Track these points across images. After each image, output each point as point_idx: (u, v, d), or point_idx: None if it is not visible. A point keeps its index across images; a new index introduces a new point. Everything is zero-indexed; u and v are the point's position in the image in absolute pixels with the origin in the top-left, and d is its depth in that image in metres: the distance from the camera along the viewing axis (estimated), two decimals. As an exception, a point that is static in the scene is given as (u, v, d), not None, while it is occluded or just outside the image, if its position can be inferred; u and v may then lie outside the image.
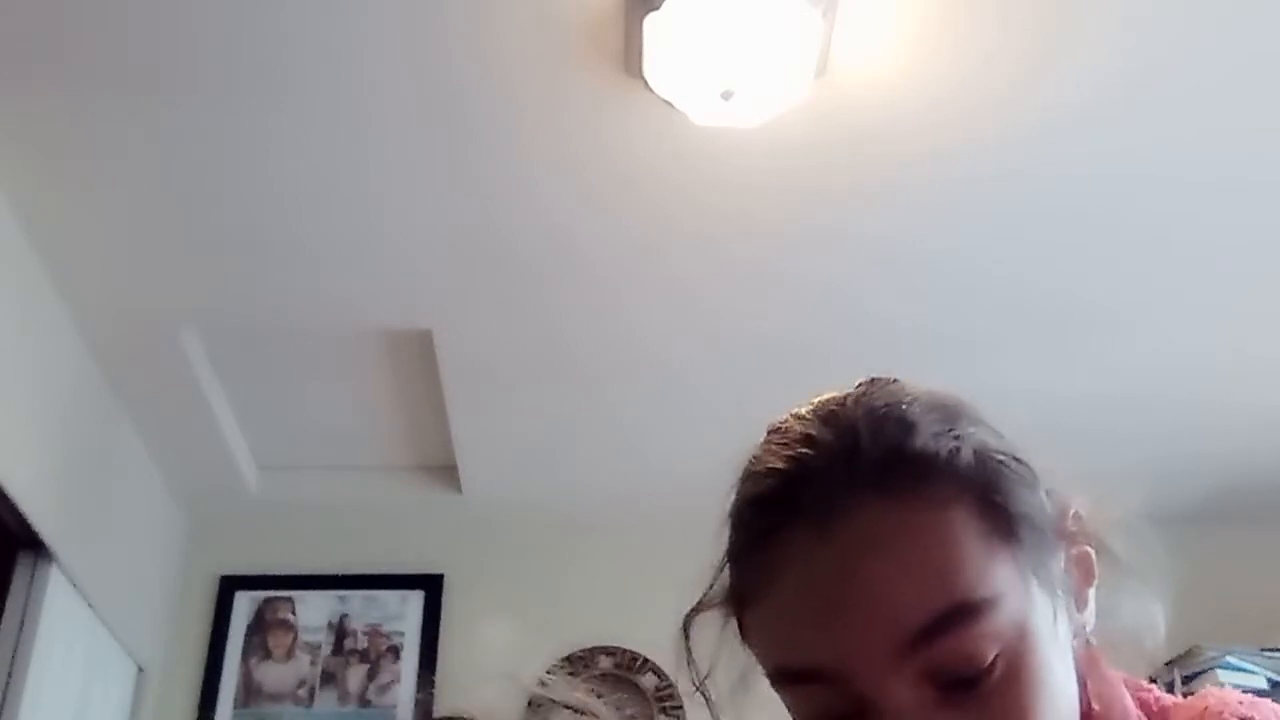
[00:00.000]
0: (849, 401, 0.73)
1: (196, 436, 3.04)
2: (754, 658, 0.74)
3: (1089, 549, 0.73)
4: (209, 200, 2.35)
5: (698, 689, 0.79)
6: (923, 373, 0.79)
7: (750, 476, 0.74)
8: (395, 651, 3.27)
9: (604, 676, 3.26)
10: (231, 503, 3.29)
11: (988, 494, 0.68)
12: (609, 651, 3.28)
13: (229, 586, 3.33)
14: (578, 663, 3.25)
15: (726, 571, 0.76)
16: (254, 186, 2.32)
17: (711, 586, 0.78)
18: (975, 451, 0.69)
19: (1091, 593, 0.73)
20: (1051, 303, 2.60)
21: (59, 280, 2.52)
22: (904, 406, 0.71)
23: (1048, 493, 0.72)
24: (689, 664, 0.79)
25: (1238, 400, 2.87)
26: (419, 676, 3.21)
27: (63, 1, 1.92)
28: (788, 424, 0.74)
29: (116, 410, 2.90)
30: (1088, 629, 0.72)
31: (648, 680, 3.26)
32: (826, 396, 0.75)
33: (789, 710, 0.71)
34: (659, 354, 2.79)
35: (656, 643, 3.28)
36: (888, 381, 0.75)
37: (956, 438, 0.69)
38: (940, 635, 0.64)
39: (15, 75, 2.06)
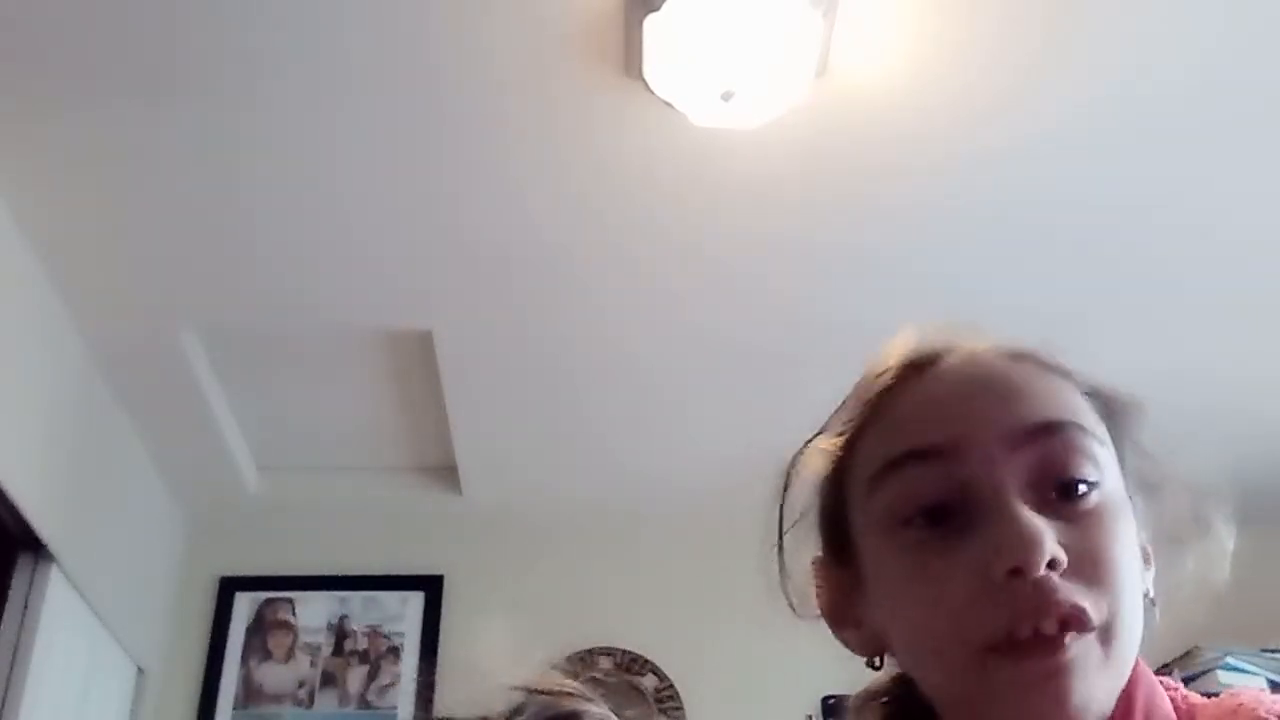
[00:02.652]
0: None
1: (196, 437, 3.04)
2: (852, 487, 0.76)
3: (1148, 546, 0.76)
4: (209, 201, 2.35)
5: (781, 532, 0.81)
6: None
7: (881, 357, 0.79)
8: (395, 652, 3.27)
9: (604, 677, 3.26)
10: (231, 503, 3.29)
11: (1107, 410, 0.75)
12: (609, 652, 3.28)
13: (229, 587, 3.33)
14: (578, 663, 3.25)
15: (843, 412, 0.79)
16: (254, 187, 2.32)
17: (826, 426, 0.81)
18: (1094, 384, 0.77)
19: (1151, 570, 0.76)
20: (1049, 307, 2.60)
21: (59, 280, 2.52)
22: None
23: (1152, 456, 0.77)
24: (782, 504, 0.82)
25: (1236, 405, 2.87)
26: (419, 677, 3.20)
27: (63, 4, 1.92)
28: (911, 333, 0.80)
29: (116, 410, 2.90)
30: (1149, 593, 0.75)
31: (648, 681, 3.26)
32: None
33: (891, 503, 0.72)
34: (658, 355, 2.79)
35: (656, 643, 3.29)
36: None
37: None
38: (1050, 436, 0.70)
39: (15, 76, 2.06)
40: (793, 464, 0.82)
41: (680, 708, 3.22)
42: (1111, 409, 0.76)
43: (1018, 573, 0.66)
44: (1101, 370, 0.77)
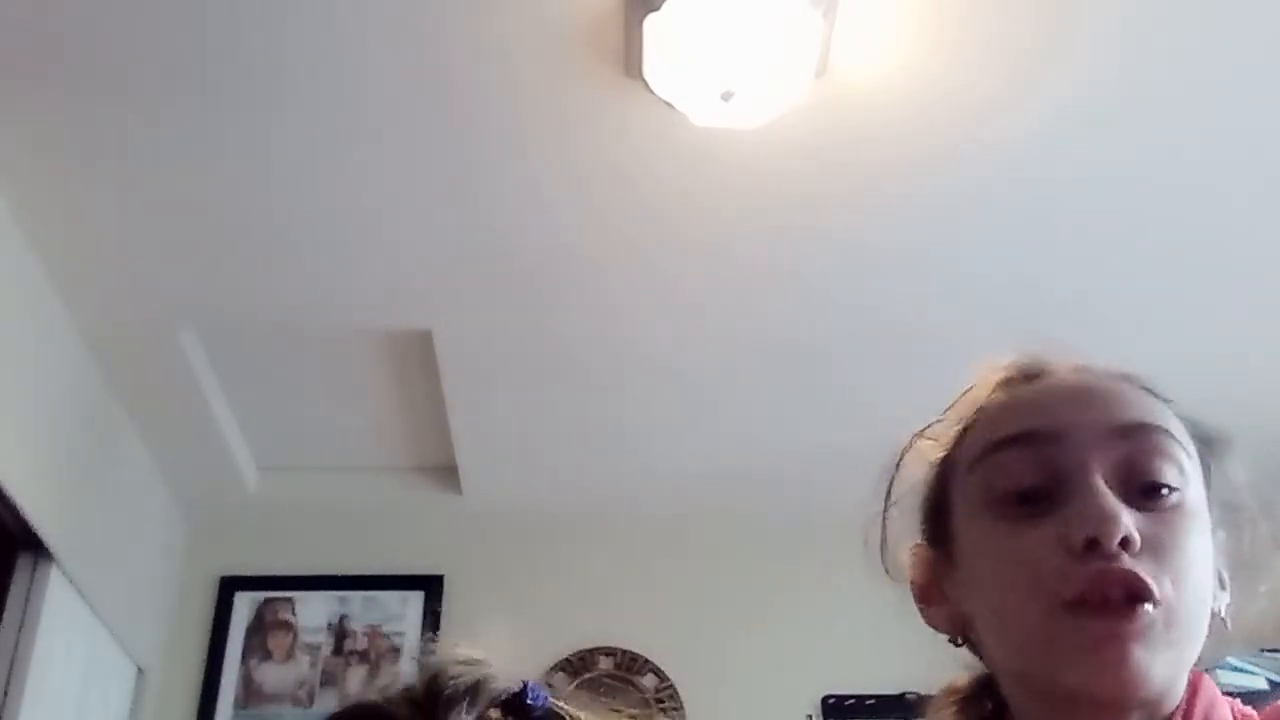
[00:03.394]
0: None
1: (196, 437, 3.04)
2: (956, 473, 0.83)
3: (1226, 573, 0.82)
4: (209, 201, 2.35)
5: (885, 507, 0.89)
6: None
7: (999, 363, 0.86)
8: (395, 652, 3.27)
9: (604, 677, 3.26)
10: (231, 503, 3.29)
11: (1201, 438, 0.81)
12: (609, 652, 3.28)
13: (229, 587, 3.33)
14: (578, 663, 3.25)
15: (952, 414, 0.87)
16: (254, 187, 2.32)
17: (937, 420, 0.88)
18: (1190, 414, 0.82)
19: (1226, 595, 0.81)
20: (1049, 302, 2.60)
21: (59, 280, 2.52)
22: None
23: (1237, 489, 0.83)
24: (891, 483, 0.89)
25: (1237, 400, 2.87)
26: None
27: (63, 2, 1.92)
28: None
29: (116, 410, 2.90)
30: (1221, 613, 0.80)
31: (648, 681, 3.26)
32: None
33: (988, 482, 0.79)
34: (658, 354, 2.79)
35: (656, 643, 3.29)
36: None
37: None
38: (1139, 436, 0.77)
39: (15, 75, 2.06)
40: (906, 447, 0.90)
41: (680, 708, 3.22)
42: (1205, 438, 0.82)
43: (1094, 544, 0.72)
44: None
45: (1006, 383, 0.84)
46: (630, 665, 3.27)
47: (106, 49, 2.01)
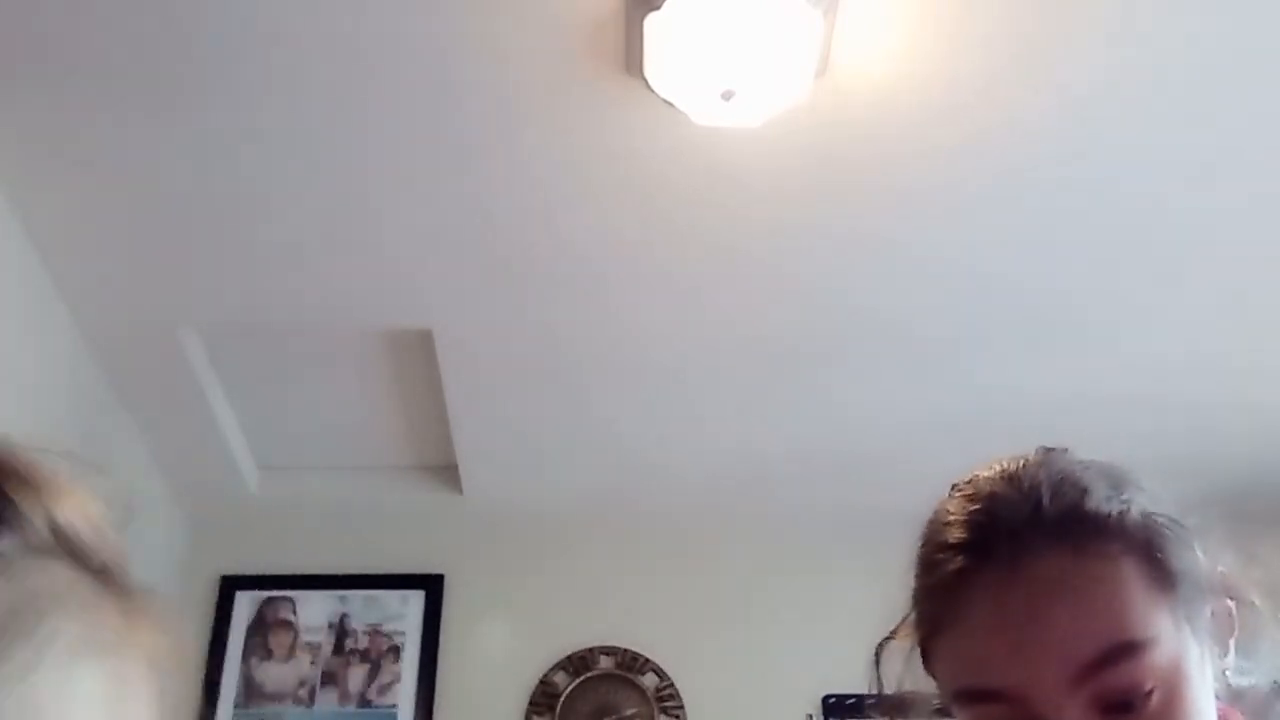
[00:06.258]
0: (1030, 465, 0.85)
1: (196, 436, 3.05)
2: (936, 683, 0.85)
3: (1231, 603, 0.84)
4: (208, 201, 2.35)
5: (884, 708, 0.91)
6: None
7: (941, 526, 0.84)
8: (396, 651, 3.27)
9: (604, 676, 3.26)
10: (231, 503, 3.29)
11: (1151, 550, 0.79)
12: (609, 651, 3.28)
13: (229, 586, 3.33)
14: (578, 663, 3.25)
15: (913, 607, 0.87)
16: (253, 187, 2.32)
17: (903, 620, 0.89)
18: (1141, 513, 0.81)
19: (1233, 643, 0.84)
20: (1053, 302, 2.60)
21: (59, 280, 2.52)
22: (1079, 472, 0.83)
23: (1202, 550, 0.83)
24: (878, 687, 0.91)
25: (1243, 400, 2.87)
26: (419, 676, 3.21)
27: (63, 3, 1.92)
28: (974, 481, 0.85)
29: (117, 409, 2.90)
30: (1228, 674, 0.83)
31: (648, 680, 3.26)
32: (1007, 459, 0.87)
33: None
34: (659, 354, 2.79)
35: (656, 643, 3.29)
36: (1062, 451, 0.88)
37: (1125, 500, 0.81)
38: (1107, 667, 0.75)
39: (16, 76, 2.06)
40: (878, 653, 0.92)
41: (680, 707, 3.23)
42: (1163, 544, 0.80)
43: None
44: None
45: (958, 573, 0.80)
46: (630, 665, 3.27)
47: (106, 50, 2.01)
